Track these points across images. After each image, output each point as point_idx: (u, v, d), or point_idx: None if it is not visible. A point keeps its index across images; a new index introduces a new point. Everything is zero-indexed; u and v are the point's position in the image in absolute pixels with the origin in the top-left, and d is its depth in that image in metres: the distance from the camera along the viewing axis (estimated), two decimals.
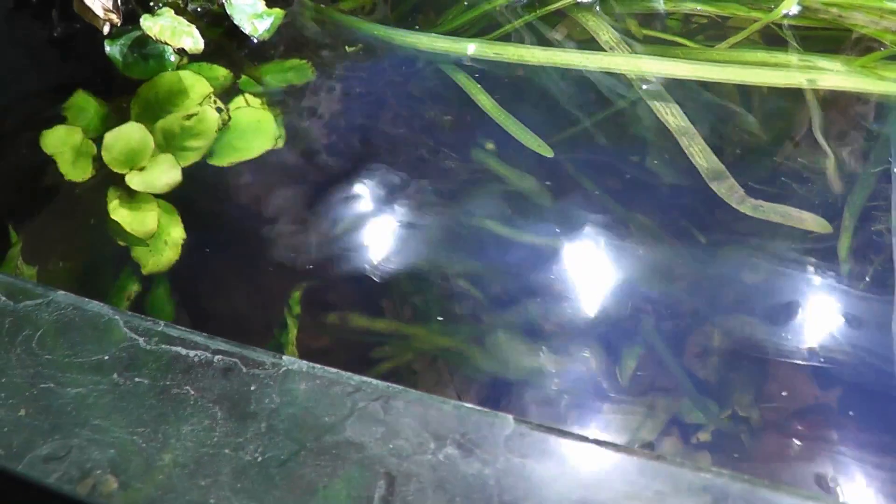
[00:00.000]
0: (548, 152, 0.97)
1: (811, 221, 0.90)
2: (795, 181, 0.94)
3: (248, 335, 0.83)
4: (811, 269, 0.87)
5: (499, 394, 0.79)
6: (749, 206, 0.92)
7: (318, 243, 0.90)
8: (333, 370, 0.57)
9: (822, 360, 0.80)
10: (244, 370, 0.57)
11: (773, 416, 0.77)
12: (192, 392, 0.57)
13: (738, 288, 0.86)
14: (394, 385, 0.57)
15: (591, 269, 0.87)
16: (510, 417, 0.56)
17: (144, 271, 0.88)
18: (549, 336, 0.82)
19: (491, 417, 0.56)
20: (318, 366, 0.58)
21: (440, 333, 0.83)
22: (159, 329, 0.60)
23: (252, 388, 0.57)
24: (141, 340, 0.59)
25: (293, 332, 0.81)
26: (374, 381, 0.57)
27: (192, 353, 0.58)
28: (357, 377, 0.57)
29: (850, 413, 0.77)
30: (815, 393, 0.79)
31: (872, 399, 0.77)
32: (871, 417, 0.76)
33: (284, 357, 0.58)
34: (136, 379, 0.57)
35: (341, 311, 0.85)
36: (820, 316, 0.83)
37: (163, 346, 0.59)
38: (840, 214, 0.91)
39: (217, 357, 0.58)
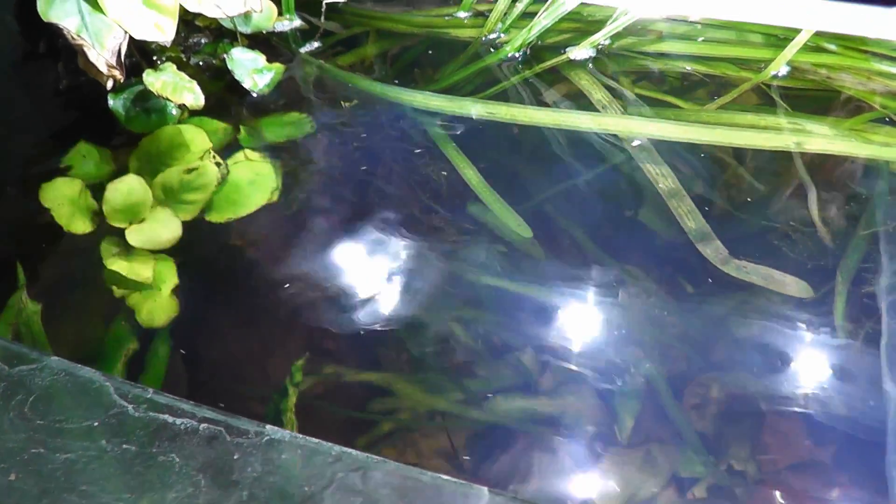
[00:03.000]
0: (526, 233, 0.98)
1: (793, 286, 0.91)
2: (784, 242, 0.96)
3: (247, 395, 0.84)
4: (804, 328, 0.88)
5: (497, 451, 0.80)
6: (733, 267, 0.93)
7: (316, 297, 0.92)
8: (315, 440, 0.59)
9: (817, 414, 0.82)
10: (228, 438, 0.59)
11: (768, 470, 0.79)
12: (178, 459, 0.58)
13: (733, 344, 0.87)
14: (372, 456, 0.58)
15: (585, 324, 0.89)
16: (485, 489, 0.57)
17: (143, 323, 0.89)
18: (546, 390, 0.84)
19: (466, 489, 0.57)
20: (300, 435, 0.59)
21: (439, 390, 0.85)
22: (148, 396, 0.62)
23: (235, 456, 0.58)
24: (130, 408, 0.61)
25: (292, 400, 0.81)
26: (354, 452, 0.59)
27: (178, 420, 0.60)
28: (338, 447, 0.59)
29: (842, 467, 0.78)
30: (808, 446, 0.80)
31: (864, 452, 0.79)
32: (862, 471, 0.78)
33: (268, 426, 0.60)
34: (124, 445, 0.59)
35: (340, 368, 0.86)
36: (814, 371, 0.85)
37: (151, 413, 0.61)
38: (832, 277, 0.92)
39: (203, 425, 0.60)
